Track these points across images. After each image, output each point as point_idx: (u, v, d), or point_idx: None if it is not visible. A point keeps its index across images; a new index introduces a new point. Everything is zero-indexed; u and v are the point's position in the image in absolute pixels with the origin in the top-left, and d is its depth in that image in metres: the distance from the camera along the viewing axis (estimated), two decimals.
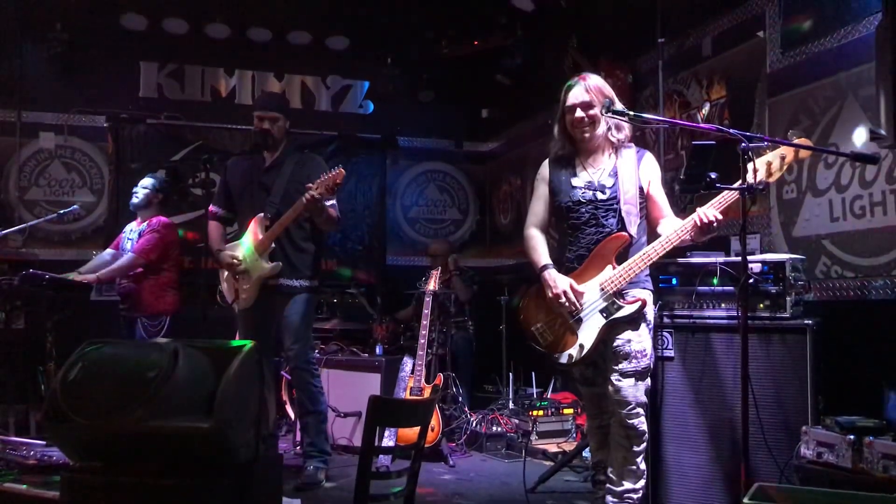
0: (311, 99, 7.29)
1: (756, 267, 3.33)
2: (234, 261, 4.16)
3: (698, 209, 3.01)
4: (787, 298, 3.27)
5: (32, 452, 3.16)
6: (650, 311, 3.21)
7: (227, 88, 7.02)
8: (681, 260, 3.60)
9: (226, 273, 4.31)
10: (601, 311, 3.12)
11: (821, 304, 3.60)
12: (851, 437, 2.76)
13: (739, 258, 2.82)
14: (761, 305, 3.32)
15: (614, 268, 3.12)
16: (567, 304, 3.12)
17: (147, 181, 5.24)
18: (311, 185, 3.94)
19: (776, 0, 4.08)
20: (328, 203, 4.14)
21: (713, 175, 2.76)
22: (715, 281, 3.45)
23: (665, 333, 3.54)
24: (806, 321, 3.24)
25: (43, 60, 6.38)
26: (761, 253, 3.96)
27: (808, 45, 3.86)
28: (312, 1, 6.55)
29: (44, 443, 3.26)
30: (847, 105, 3.63)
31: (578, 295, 3.12)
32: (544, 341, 3.23)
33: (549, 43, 6.28)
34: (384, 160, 7.47)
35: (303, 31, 6.84)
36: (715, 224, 2.97)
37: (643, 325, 3.16)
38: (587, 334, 3.13)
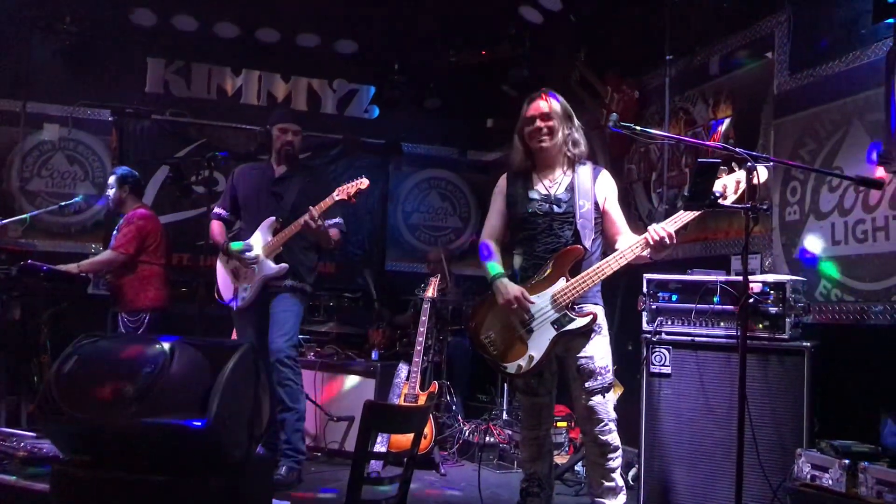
0: (316, 101, 7.29)
1: (756, 287, 3.33)
2: (247, 247, 4.15)
3: (651, 226, 3.02)
4: (787, 320, 3.28)
5: (23, 444, 3.15)
6: (604, 325, 3.20)
7: (233, 88, 7.02)
8: (681, 277, 3.60)
9: (224, 271, 4.30)
10: (553, 323, 3.11)
11: (820, 327, 3.59)
12: (846, 461, 2.75)
13: (740, 277, 2.81)
14: (760, 326, 3.32)
15: (567, 280, 3.11)
16: (518, 310, 3.12)
17: (109, 180, 5.19)
18: (312, 209, 3.99)
19: (785, 22, 4.09)
20: (332, 222, 4.20)
21: (717, 193, 2.76)
22: (715, 299, 3.44)
23: (663, 350, 3.54)
24: (804, 343, 3.25)
25: (50, 52, 6.39)
26: (762, 273, 3.96)
27: (816, 67, 3.87)
28: (322, 4, 6.55)
29: (35, 435, 3.24)
30: (853, 129, 3.63)
31: (530, 304, 3.12)
32: (494, 350, 3.23)
33: (556, 56, 6.30)
34: (387, 165, 7.47)
35: (311, 34, 6.85)
36: (667, 241, 2.97)
37: (601, 339, 3.16)
38: (538, 345, 3.12)
